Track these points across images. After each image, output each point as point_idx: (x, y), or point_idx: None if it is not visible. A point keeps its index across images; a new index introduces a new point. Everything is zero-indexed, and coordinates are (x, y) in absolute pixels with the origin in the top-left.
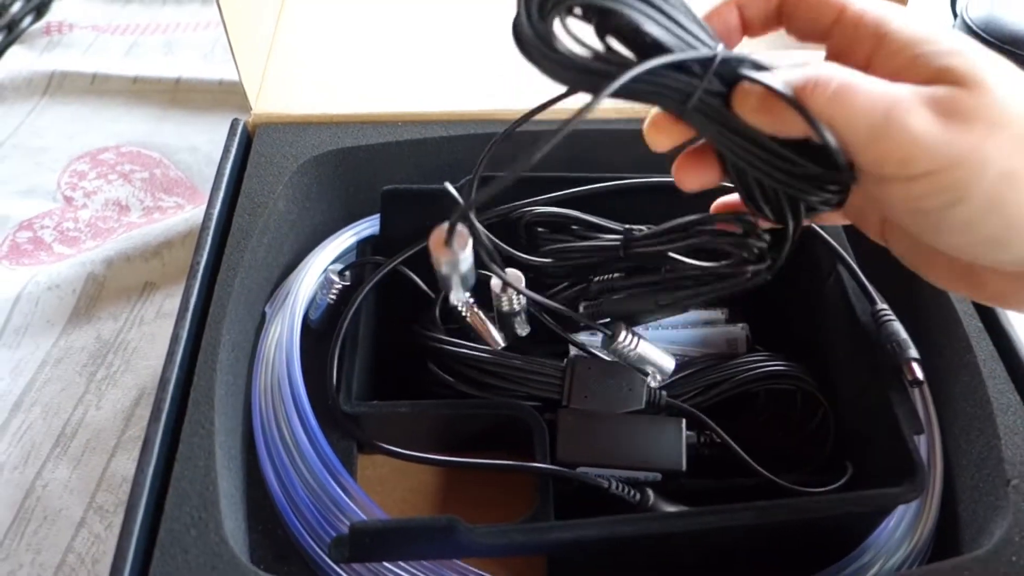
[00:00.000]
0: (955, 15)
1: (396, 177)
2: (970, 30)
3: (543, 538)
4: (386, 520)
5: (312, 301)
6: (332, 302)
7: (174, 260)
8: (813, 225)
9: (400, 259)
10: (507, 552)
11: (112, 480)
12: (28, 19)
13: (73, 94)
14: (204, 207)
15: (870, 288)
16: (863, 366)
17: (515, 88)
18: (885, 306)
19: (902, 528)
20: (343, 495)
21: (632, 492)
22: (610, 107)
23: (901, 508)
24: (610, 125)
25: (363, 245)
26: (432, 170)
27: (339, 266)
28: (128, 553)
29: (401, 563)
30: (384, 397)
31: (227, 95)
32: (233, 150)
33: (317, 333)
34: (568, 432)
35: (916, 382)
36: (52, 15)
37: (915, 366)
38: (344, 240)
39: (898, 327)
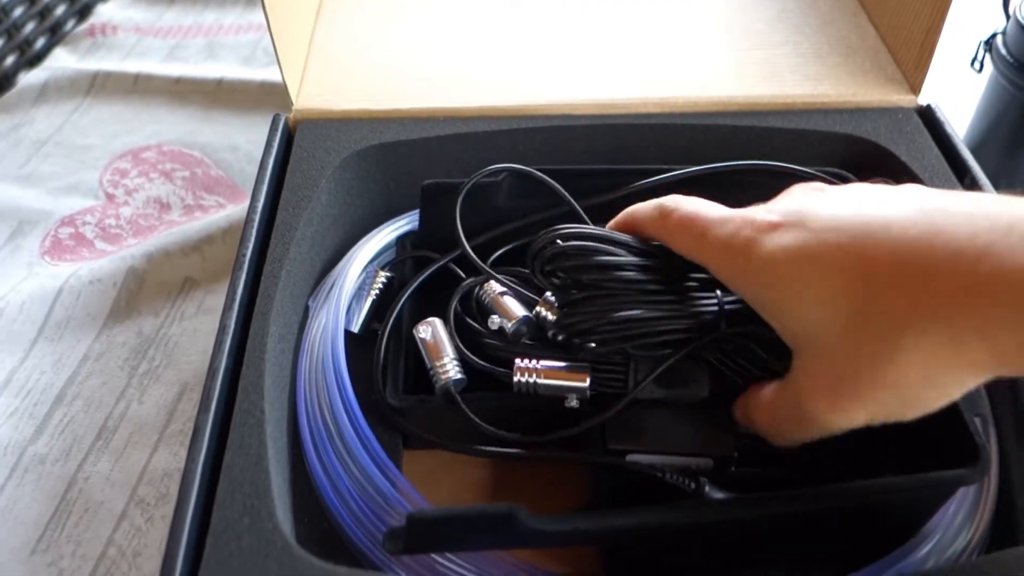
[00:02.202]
0: (1007, 16)
1: (437, 172)
2: (1022, 29)
3: (605, 525)
4: (444, 509)
5: (352, 303)
6: (375, 298)
7: (214, 256)
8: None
9: (450, 258)
10: (568, 541)
11: (154, 474)
12: (72, 22)
13: (116, 94)
14: (245, 205)
15: None
16: None
17: (557, 82)
18: None
19: (962, 515)
20: (390, 487)
21: (687, 481)
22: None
23: (960, 494)
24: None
25: (402, 241)
26: (473, 164)
27: (377, 267)
28: (181, 540)
29: (450, 556)
30: (428, 392)
31: (268, 96)
32: (275, 145)
33: (358, 333)
34: (618, 421)
35: None
36: (95, 18)
37: None
38: (386, 235)
39: None
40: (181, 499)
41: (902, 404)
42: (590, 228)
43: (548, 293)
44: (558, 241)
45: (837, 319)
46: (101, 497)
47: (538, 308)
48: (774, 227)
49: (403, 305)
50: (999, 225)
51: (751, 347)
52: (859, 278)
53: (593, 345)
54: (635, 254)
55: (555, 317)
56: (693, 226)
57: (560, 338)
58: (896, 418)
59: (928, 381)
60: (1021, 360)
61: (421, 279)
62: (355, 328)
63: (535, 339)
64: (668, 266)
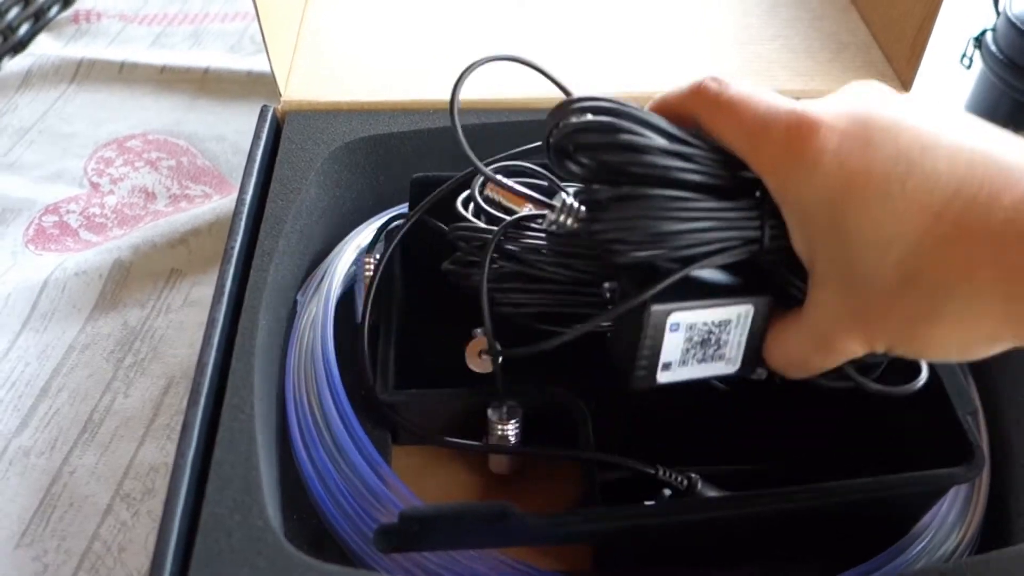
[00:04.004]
0: (997, 12)
1: (427, 164)
2: (1014, 27)
3: (599, 523)
4: (436, 506)
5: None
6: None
7: (200, 247)
8: None
9: (425, 207)
10: (560, 539)
11: (140, 468)
12: (55, 8)
13: (101, 82)
14: (231, 196)
15: None
16: None
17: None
18: None
19: (954, 514)
20: (380, 483)
21: (679, 478)
22: None
23: (952, 492)
24: None
25: (389, 234)
26: (464, 157)
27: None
28: (171, 537)
29: (442, 553)
30: (418, 386)
31: (255, 85)
32: (264, 136)
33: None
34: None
35: None
36: (80, 4)
37: None
38: (374, 228)
39: None
40: (170, 496)
41: (925, 347)
42: (621, 105)
43: (564, 195)
44: (588, 115)
45: (888, 257)
46: (86, 491)
47: (552, 212)
48: (843, 135)
49: (388, 298)
50: None
51: (782, 268)
52: (924, 224)
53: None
54: (676, 141)
55: (576, 224)
56: (743, 111)
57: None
58: (913, 356)
59: (963, 341)
60: None
61: (396, 240)
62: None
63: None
64: (711, 160)
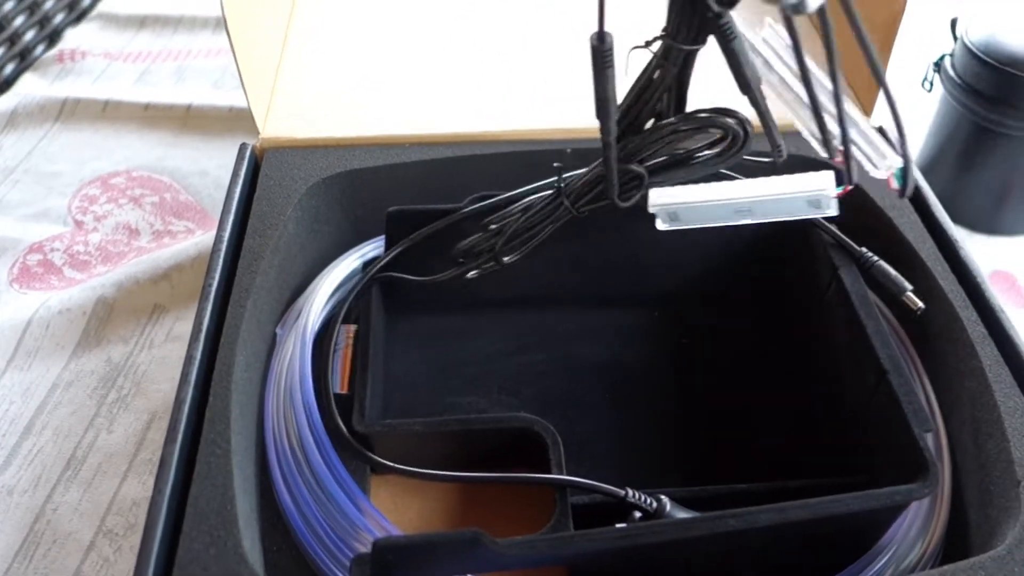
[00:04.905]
0: (955, 38)
1: (404, 198)
2: (970, 53)
3: (568, 548)
4: (410, 536)
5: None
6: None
7: (183, 283)
8: (818, 227)
9: (398, 249)
10: (532, 563)
11: (123, 504)
12: (41, 47)
13: (85, 120)
14: (214, 231)
15: (848, 240)
16: (870, 368)
17: (521, 109)
18: (865, 249)
19: (916, 528)
20: (358, 514)
21: (648, 500)
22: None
23: (914, 507)
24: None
25: (368, 266)
26: (439, 191)
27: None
28: (148, 572)
29: None
30: (395, 416)
31: (237, 121)
32: (242, 174)
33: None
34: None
35: (920, 310)
36: (65, 43)
37: (912, 295)
38: (352, 261)
39: (886, 266)
40: (147, 532)
41: None
42: None
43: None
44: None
45: None
46: (69, 528)
47: None
48: None
49: (366, 332)
50: None
51: None
52: None
53: None
54: None
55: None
56: None
57: None
58: None
59: None
60: None
61: (369, 275)
62: (340, 389)
63: None
64: None
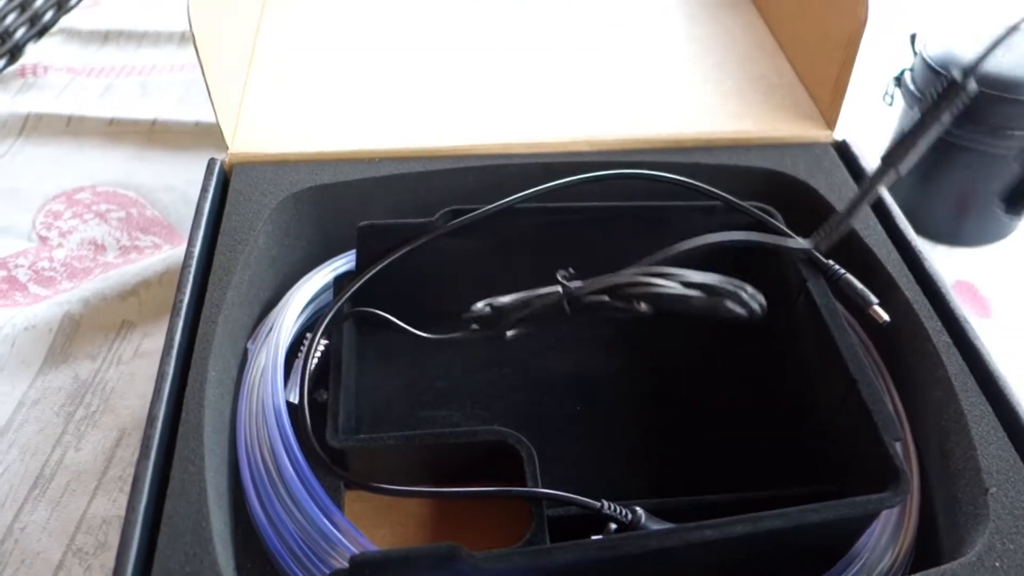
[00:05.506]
0: (914, 53)
1: (374, 212)
2: (929, 68)
3: (545, 560)
4: (387, 551)
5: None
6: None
7: (151, 299)
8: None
9: (374, 271)
10: None
11: (92, 522)
12: (2, 62)
13: (49, 135)
14: (181, 247)
15: (816, 253)
16: (839, 378)
17: (491, 123)
18: (832, 262)
19: (886, 536)
20: (333, 530)
21: (624, 512)
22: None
23: (884, 516)
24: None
25: (340, 281)
26: (410, 205)
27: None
28: None
29: None
30: (368, 431)
31: (203, 136)
32: (211, 189)
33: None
34: None
35: (885, 323)
36: (27, 58)
37: (878, 308)
38: (324, 275)
39: (852, 279)
40: (121, 550)
41: None
42: None
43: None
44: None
45: None
46: (38, 547)
47: None
48: None
49: (338, 347)
50: None
51: None
52: None
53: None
54: None
55: None
56: None
57: None
58: None
59: None
60: None
61: (345, 295)
62: (292, 398)
63: None
64: None
